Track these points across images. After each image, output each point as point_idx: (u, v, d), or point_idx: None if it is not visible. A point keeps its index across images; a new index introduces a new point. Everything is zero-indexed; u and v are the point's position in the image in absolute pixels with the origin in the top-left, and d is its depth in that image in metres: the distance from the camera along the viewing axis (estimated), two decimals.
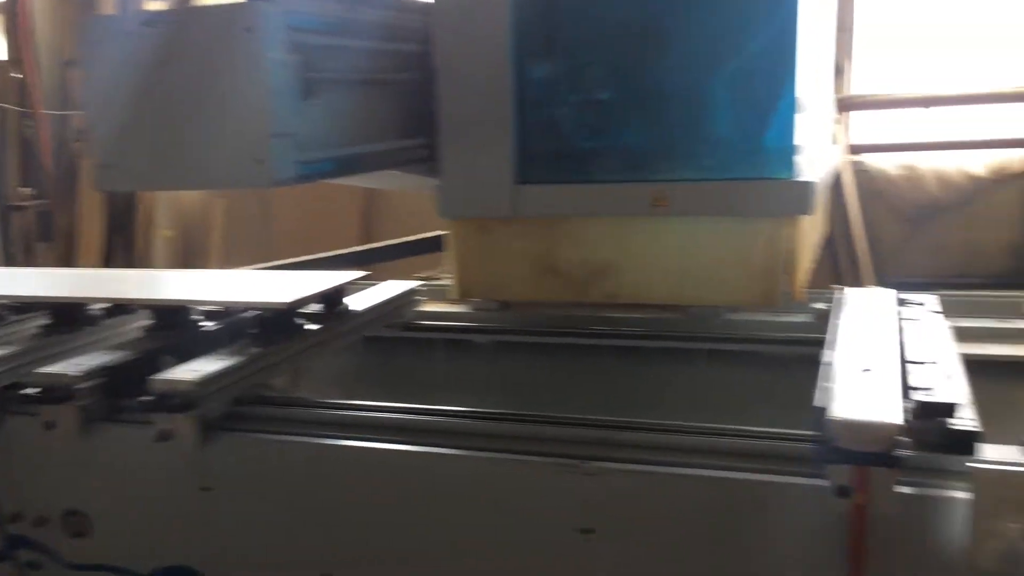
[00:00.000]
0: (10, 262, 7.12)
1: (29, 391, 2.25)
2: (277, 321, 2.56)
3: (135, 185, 3.93)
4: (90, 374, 2.27)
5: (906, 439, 1.70)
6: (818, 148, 3.13)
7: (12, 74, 7.17)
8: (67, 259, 7.31)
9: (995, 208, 6.03)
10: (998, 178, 6.04)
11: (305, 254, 5.27)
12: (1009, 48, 5.95)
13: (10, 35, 7.22)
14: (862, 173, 6.21)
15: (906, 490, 1.71)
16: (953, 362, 2.08)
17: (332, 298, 2.79)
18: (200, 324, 2.73)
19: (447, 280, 3.17)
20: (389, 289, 3.17)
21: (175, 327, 2.66)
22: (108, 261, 7.41)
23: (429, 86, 2.77)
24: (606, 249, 2.80)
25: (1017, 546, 1.59)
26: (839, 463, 1.68)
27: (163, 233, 7.53)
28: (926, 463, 1.75)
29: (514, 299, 3.08)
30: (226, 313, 2.77)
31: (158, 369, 2.27)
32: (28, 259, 7.28)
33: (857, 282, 5.75)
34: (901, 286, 2.98)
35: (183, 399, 2.12)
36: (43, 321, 2.72)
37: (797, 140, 2.54)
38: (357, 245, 5.97)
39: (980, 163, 6.07)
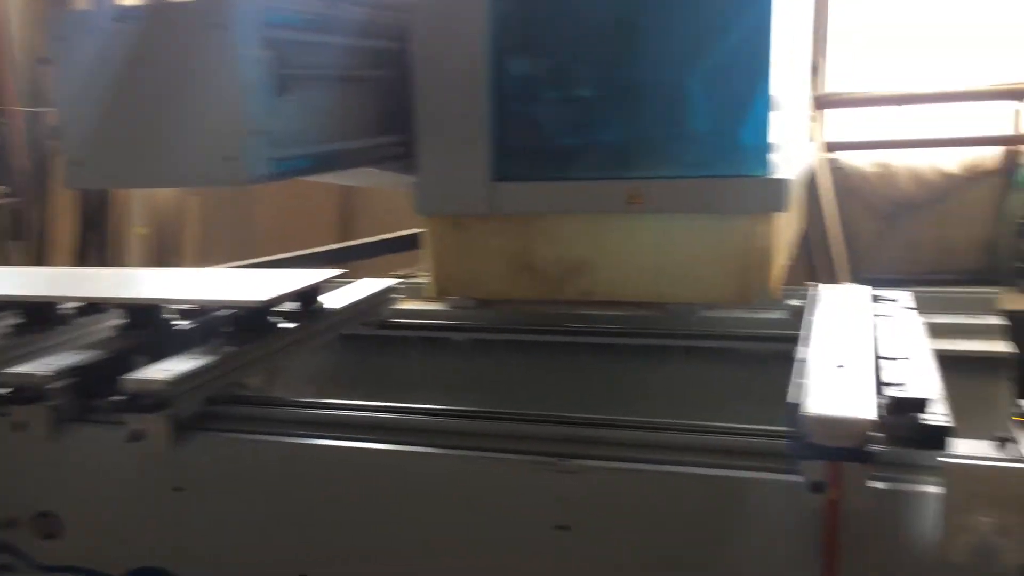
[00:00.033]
0: None
1: None
2: (252, 320, 2.54)
3: (107, 183, 3.89)
4: (61, 374, 2.25)
5: (879, 434, 1.72)
6: (793, 146, 3.14)
7: None
8: (39, 257, 7.23)
9: (968, 205, 6.10)
10: (971, 176, 6.10)
11: (281, 252, 5.23)
12: (982, 47, 6.01)
13: None
14: (837, 171, 6.26)
15: (879, 485, 1.72)
16: (926, 358, 2.10)
17: (308, 296, 2.77)
18: (173, 323, 2.71)
19: (424, 278, 3.16)
20: (365, 287, 3.16)
21: (148, 326, 2.64)
22: (81, 259, 7.34)
23: (405, 83, 2.76)
24: (582, 246, 2.80)
25: (988, 540, 1.60)
26: (813, 459, 1.69)
27: (137, 231, 7.47)
28: (899, 458, 1.76)
29: (490, 297, 3.08)
30: (200, 312, 2.74)
31: (130, 369, 2.25)
32: (0, 257, 7.19)
33: (832, 279, 5.79)
34: (876, 283, 3.00)
35: (155, 399, 2.10)
36: (14, 320, 2.69)
37: (772, 138, 2.55)
38: (334, 243, 5.94)
39: (953, 161, 6.13)
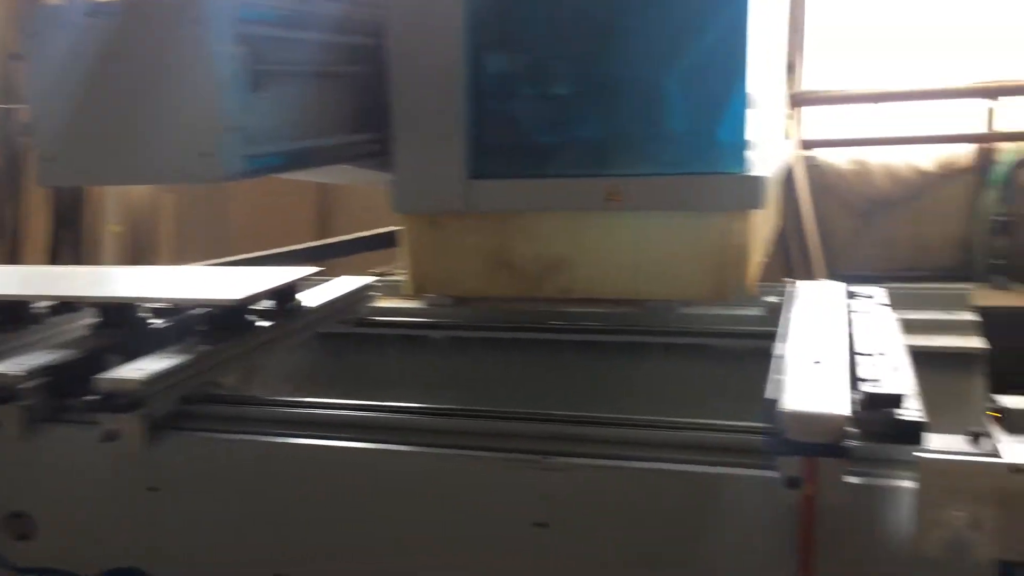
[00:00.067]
0: None
1: None
2: (227, 318, 2.52)
3: (80, 180, 3.85)
4: (34, 373, 2.22)
5: (854, 430, 1.73)
6: (769, 143, 3.16)
7: None
8: (12, 256, 7.14)
9: (942, 203, 6.15)
10: (945, 173, 6.16)
11: (258, 250, 5.20)
12: (956, 47, 6.07)
13: None
14: (814, 168, 6.29)
15: (854, 480, 1.73)
16: (900, 354, 2.11)
17: (285, 294, 2.76)
18: (148, 322, 2.69)
19: (401, 276, 3.15)
20: (343, 285, 3.15)
21: (122, 325, 2.62)
22: (55, 257, 7.26)
23: (382, 80, 2.75)
24: (560, 244, 2.80)
25: (962, 534, 1.62)
26: (789, 454, 1.70)
27: (111, 228, 7.40)
28: (874, 453, 1.78)
29: (468, 294, 3.07)
30: (175, 310, 2.72)
31: (104, 368, 2.22)
32: None
33: (809, 275, 5.83)
34: (851, 279, 3.02)
35: (129, 398, 2.08)
36: None
37: (748, 136, 2.56)
38: (311, 240, 5.91)
39: (928, 159, 6.18)
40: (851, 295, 2.74)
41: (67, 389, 2.23)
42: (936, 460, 1.66)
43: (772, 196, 3.26)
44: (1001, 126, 6.05)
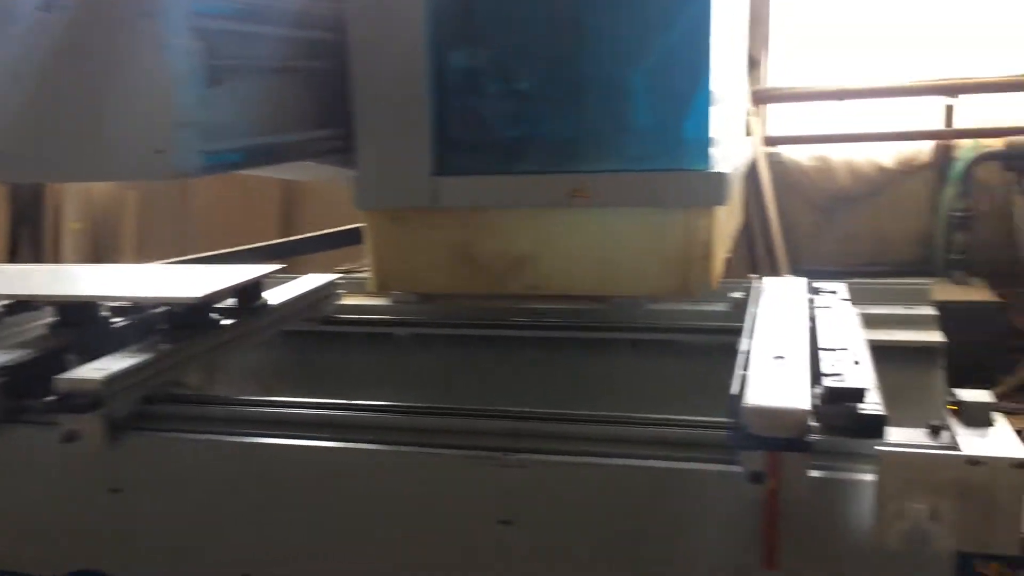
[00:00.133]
0: None
1: None
2: (189, 316, 2.50)
3: (32, 176, 3.78)
4: None
5: (817, 424, 1.75)
6: (732, 140, 3.18)
7: None
8: None
9: (903, 199, 6.22)
10: (905, 169, 6.23)
11: (223, 247, 5.15)
12: (918, 45, 6.15)
13: None
14: (777, 164, 6.34)
15: (817, 474, 1.75)
16: (861, 349, 2.14)
17: (249, 292, 2.73)
18: (109, 321, 2.65)
19: (367, 273, 3.13)
20: (308, 283, 3.12)
21: (82, 324, 2.58)
22: (14, 255, 7.15)
23: (344, 75, 2.72)
24: (524, 240, 2.79)
25: (921, 526, 1.64)
26: (752, 449, 1.71)
27: (72, 226, 7.29)
28: (836, 447, 1.79)
29: (432, 291, 3.06)
30: (136, 309, 2.69)
31: (63, 368, 2.19)
32: None
33: (773, 271, 5.87)
34: (814, 274, 3.05)
35: (89, 398, 2.05)
36: None
37: (712, 133, 2.57)
38: (277, 238, 5.86)
39: (889, 155, 6.26)
40: (814, 291, 2.77)
41: (26, 389, 2.20)
42: (896, 453, 1.68)
43: (736, 192, 3.28)
44: (960, 123, 6.13)
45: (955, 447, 1.72)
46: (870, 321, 2.62)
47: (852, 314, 2.51)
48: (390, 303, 3.23)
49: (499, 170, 2.71)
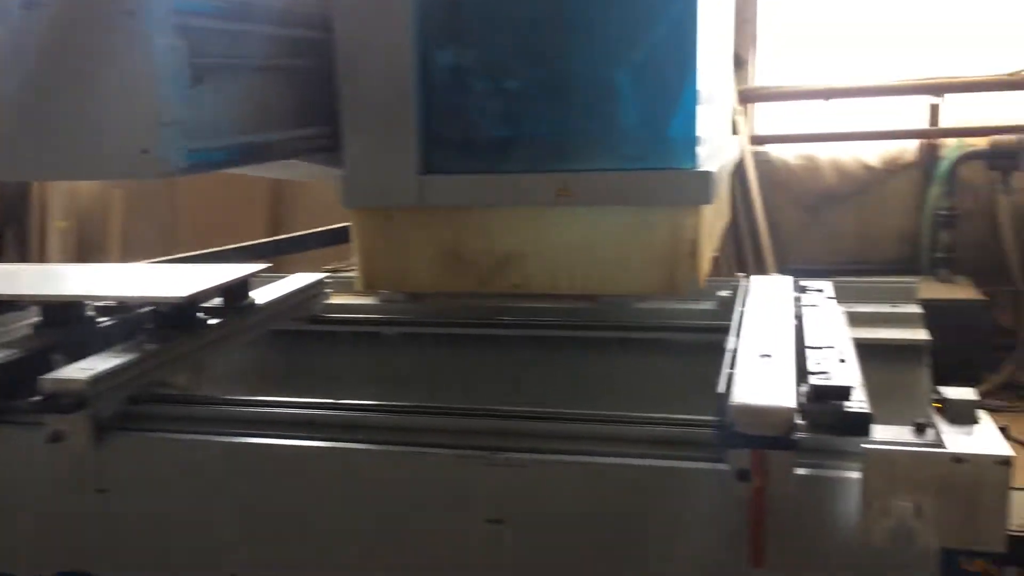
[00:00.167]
0: None
1: None
2: (176, 316, 2.49)
3: (15, 175, 3.75)
4: None
5: (803, 422, 1.75)
6: (719, 138, 3.19)
7: None
8: None
9: (888, 197, 6.26)
10: (891, 168, 6.27)
11: (210, 246, 5.13)
12: (904, 44, 6.19)
13: None
14: (764, 163, 6.37)
15: (803, 471, 1.76)
16: (847, 347, 2.15)
17: (236, 292, 2.72)
18: (95, 320, 2.64)
19: (354, 272, 3.13)
20: (295, 282, 3.12)
21: (67, 324, 2.57)
22: None
23: (330, 73, 2.72)
24: (512, 239, 2.79)
25: (906, 523, 1.65)
26: (739, 447, 1.72)
27: (58, 224, 7.25)
28: (822, 445, 1.81)
29: (419, 290, 3.06)
30: (122, 308, 2.68)
31: (49, 368, 2.18)
32: None
33: (760, 269, 5.90)
34: (800, 273, 3.06)
35: (75, 398, 2.05)
36: None
37: (698, 131, 2.58)
38: (266, 236, 5.85)
39: (875, 154, 6.29)
40: (800, 289, 2.78)
41: (11, 390, 2.19)
42: (882, 451, 1.69)
43: (723, 191, 3.28)
44: (945, 122, 6.17)
45: (940, 445, 1.73)
46: (856, 319, 2.64)
47: (838, 312, 2.53)
48: (377, 302, 3.22)
49: (486, 169, 2.71)
